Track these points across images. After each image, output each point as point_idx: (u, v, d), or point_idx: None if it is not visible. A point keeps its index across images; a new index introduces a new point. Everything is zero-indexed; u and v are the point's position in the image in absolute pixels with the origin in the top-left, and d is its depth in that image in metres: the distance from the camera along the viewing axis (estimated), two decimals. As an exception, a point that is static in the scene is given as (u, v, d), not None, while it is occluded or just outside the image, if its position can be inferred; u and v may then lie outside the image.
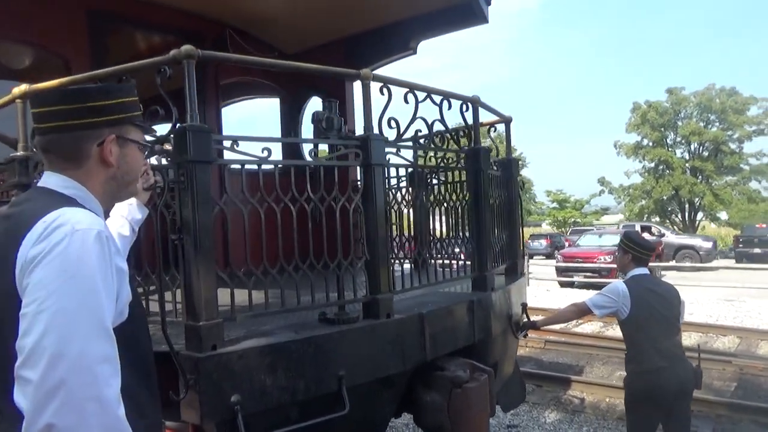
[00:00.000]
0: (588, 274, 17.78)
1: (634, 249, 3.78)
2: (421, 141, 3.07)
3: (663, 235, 25.39)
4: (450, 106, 3.10)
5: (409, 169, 3.07)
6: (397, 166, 2.83)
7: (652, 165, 37.39)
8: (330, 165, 2.50)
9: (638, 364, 3.64)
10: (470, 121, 3.29)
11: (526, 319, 3.98)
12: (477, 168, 3.27)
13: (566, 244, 28.19)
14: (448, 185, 3.39)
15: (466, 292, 3.41)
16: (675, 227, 37.08)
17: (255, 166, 2.28)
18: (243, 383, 2.17)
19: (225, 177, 2.23)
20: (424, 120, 2.94)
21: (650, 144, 37.22)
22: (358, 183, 2.54)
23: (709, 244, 24.47)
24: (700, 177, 36.16)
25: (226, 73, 5.44)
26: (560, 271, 18.92)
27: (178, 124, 2.07)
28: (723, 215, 37.98)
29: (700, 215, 38.06)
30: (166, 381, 1.82)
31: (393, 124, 2.72)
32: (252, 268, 2.30)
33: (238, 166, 2.27)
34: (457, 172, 3.46)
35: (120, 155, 1.41)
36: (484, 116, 3.67)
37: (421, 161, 3.20)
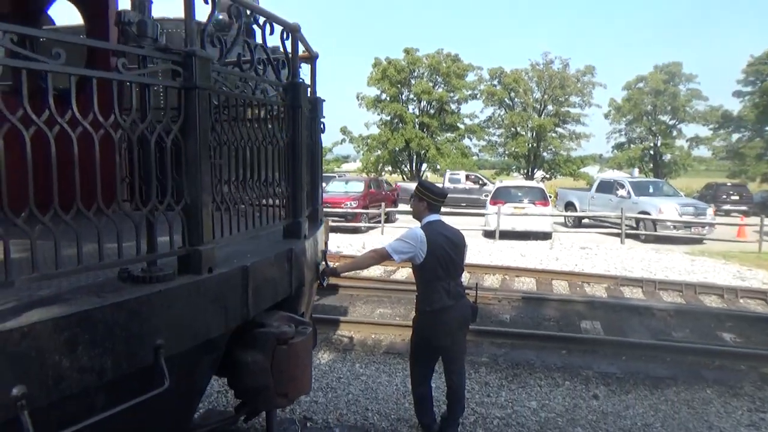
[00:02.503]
0: (335, 218, 18.67)
1: (429, 196, 3.95)
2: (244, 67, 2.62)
3: (485, 184, 28.26)
4: (272, 31, 2.71)
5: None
6: (219, 93, 2.36)
7: (389, 118, 40.59)
8: (148, 83, 1.94)
9: (429, 303, 3.86)
10: (289, 51, 2.95)
11: (326, 266, 3.90)
12: (296, 104, 2.97)
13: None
14: (268, 122, 3.01)
15: (276, 240, 3.14)
16: (404, 176, 41.37)
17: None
18: (30, 370, 1.60)
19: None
20: (248, 43, 2.51)
21: (388, 98, 40.23)
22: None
23: None
24: (426, 132, 40.58)
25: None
26: (309, 215, 19.44)
27: None
28: (439, 167, 43.55)
29: (424, 166, 42.96)
30: None
31: (217, 42, 2.25)
32: (36, 213, 1.68)
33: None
34: (264, 108, 3.10)
35: None
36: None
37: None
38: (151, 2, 1.98)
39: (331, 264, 4.01)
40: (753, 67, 40.43)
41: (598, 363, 6.04)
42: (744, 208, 26.06)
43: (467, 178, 29.88)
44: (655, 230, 16.32)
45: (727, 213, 25.36)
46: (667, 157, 42.53)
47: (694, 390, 5.41)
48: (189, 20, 2.09)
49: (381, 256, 3.88)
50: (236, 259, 2.53)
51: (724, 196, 27.18)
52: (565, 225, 20.19)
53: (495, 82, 41.69)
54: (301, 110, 3.02)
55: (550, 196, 20.26)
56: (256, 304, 2.53)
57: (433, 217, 3.98)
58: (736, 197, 27.37)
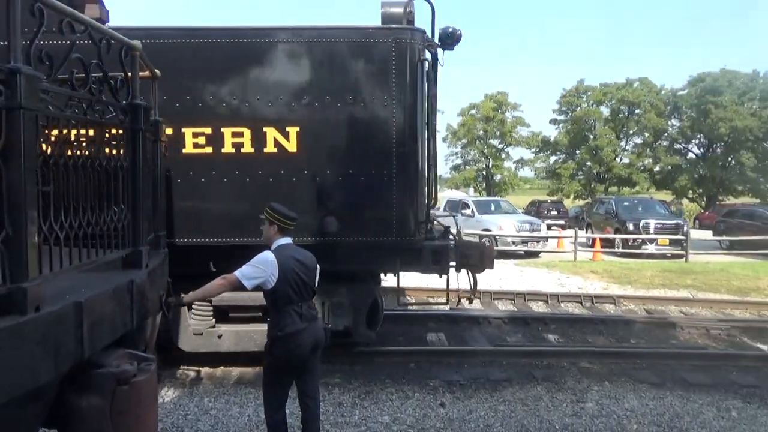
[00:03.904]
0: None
1: (280, 220, 3.94)
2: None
3: None
4: (109, 49, 2.55)
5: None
6: (50, 115, 2.15)
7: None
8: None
9: (282, 328, 3.82)
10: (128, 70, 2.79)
11: (172, 297, 3.69)
12: (136, 126, 2.81)
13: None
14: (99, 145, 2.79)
15: (115, 271, 2.91)
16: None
17: None
18: None
19: None
20: (82, 60, 2.34)
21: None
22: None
23: None
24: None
25: None
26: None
27: None
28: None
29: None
30: None
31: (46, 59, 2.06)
32: None
33: None
34: (101, 130, 2.90)
35: None
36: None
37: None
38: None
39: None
40: (565, 98, 46.21)
41: (443, 372, 6.41)
42: (561, 222, 29.48)
43: None
44: (497, 245, 17.78)
45: (549, 227, 28.46)
46: (498, 177, 46.77)
47: (527, 389, 5.97)
48: (14, 35, 1.90)
49: (231, 284, 3.76)
50: (69, 294, 2.30)
51: (545, 212, 30.48)
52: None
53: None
54: (141, 133, 2.86)
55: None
56: (93, 343, 2.32)
57: (284, 240, 3.97)
58: (555, 212, 30.90)
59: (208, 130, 5.45)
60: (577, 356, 6.92)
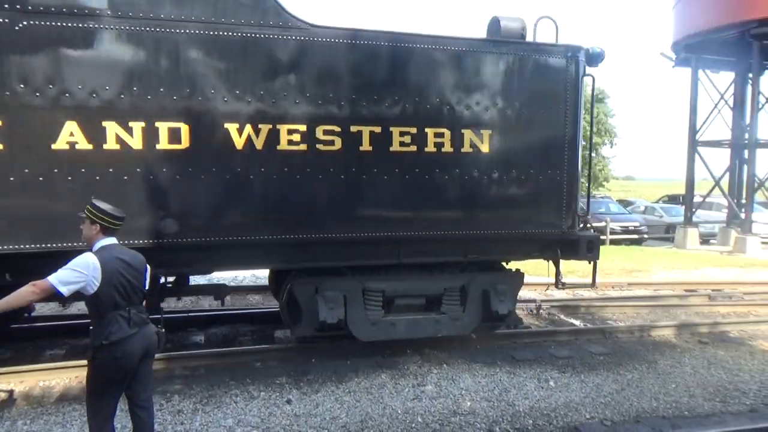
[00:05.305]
0: None
1: (105, 219, 3.61)
2: None
3: None
4: None
5: None
6: None
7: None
8: None
9: (107, 336, 3.51)
10: None
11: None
12: None
13: None
14: None
15: None
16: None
17: None
18: None
19: None
20: None
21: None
22: None
23: None
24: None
25: None
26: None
27: None
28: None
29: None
30: None
31: None
32: None
33: None
34: None
35: None
36: None
37: None
38: None
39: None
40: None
41: (291, 369, 6.35)
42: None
43: None
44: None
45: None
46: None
47: (372, 378, 6.14)
48: None
49: (44, 291, 3.35)
50: None
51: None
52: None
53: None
54: None
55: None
56: None
57: (108, 240, 3.64)
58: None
59: (413, 130, 6.00)
60: (419, 343, 7.26)
